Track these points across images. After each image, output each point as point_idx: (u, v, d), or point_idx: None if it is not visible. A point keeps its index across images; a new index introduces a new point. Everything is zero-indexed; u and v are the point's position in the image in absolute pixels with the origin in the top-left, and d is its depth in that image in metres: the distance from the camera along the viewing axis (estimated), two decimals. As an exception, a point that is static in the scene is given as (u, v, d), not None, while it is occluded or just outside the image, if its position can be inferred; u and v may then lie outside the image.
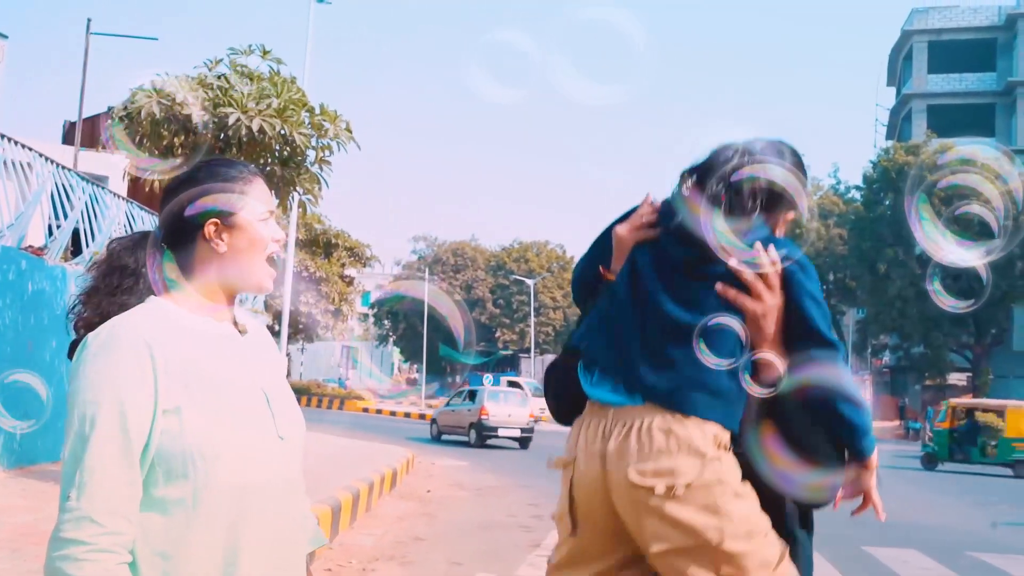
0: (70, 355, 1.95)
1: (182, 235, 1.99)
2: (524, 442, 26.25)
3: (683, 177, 2.14)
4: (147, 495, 1.81)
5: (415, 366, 70.56)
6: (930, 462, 25.69)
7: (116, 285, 1.99)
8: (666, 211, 2.15)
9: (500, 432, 26.00)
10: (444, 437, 27.31)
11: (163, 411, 1.81)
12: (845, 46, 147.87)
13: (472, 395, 27.34)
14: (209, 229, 1.97)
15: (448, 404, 28.93)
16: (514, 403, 26.76)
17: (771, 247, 2.05)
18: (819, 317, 2.07)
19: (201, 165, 2.06)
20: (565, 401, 2.24)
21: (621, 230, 2.22)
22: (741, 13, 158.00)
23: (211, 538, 1.85)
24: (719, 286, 2.05)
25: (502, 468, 18.79)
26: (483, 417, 25.86)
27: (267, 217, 2.04)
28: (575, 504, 2.10)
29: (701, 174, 2.10)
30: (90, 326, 1.92)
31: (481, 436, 26.01)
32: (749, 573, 1.95)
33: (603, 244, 2.29)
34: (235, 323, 2.07)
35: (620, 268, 2.19)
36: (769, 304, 2.05)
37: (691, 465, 1.96)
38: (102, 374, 1.80)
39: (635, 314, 2.10)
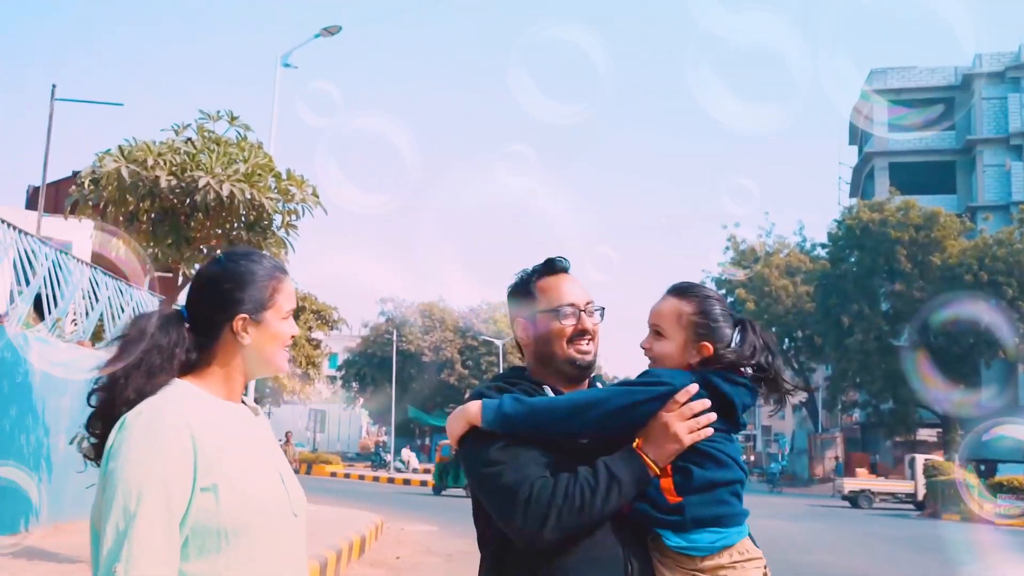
0: (90, 429, 2.04)
1: (211, 323, 2.10)
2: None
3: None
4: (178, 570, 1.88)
5: (383, 428, 69.96)
6: (435, 490, 32.77)
7: (154, 364, 2.04)
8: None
9: None
10: None
11: (200, 489, 1.89)
12: (808, 105, 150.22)
13: None
14: (238, 324, 2.08)
15: None
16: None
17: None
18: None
19: (237, 257, 2.15)
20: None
21: (683, 434, 2.37)
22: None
23: None
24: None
25: (472, 533, 18.48)
26: None
27: (289, 316, 2.15)
28: None
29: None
30: (128, 404, 1.98)
31: None
32: None
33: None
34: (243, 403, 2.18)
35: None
36: None
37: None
38: (148, 453, 1.87)
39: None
